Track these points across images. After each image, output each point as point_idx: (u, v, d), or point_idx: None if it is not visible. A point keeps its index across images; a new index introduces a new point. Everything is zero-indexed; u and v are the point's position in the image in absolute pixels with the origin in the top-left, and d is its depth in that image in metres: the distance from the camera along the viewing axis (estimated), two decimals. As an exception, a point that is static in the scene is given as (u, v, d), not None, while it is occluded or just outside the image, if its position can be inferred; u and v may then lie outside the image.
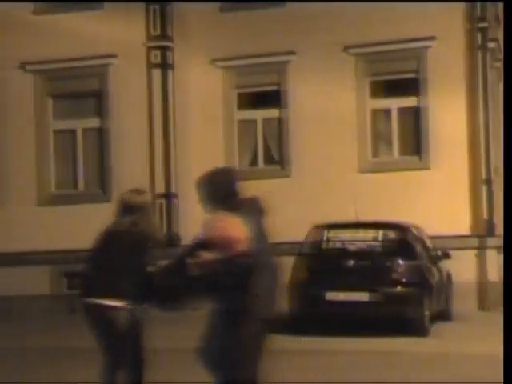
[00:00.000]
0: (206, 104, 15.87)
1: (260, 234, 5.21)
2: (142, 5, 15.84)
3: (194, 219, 15.28)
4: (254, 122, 16.03)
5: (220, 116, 15.94)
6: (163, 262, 5.84)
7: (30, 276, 15.76)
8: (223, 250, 4.92)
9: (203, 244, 5.09)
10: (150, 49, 15.95)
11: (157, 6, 15.86)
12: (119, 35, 15.69)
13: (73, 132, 16.47)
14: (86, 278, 6.40)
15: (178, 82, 15.91)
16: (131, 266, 6.09)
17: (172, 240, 15.29)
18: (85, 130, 16.42)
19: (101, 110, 16.28)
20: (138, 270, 6.10)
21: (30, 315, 15.41)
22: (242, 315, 5.09)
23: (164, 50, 15.91)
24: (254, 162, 16.12)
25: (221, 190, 5.28)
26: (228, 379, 5.20)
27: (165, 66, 15.91)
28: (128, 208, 6.31)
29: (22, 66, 16.22)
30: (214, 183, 5.34)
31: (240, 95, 15.97)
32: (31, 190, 16.26)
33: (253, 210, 5.28)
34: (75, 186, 16.46)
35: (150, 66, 15.91)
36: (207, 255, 5.02)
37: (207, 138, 15.81)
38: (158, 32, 15.90)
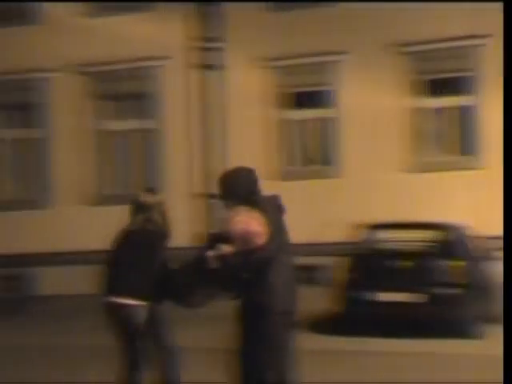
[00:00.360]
0: (256, 104, 15.85)
1: (279, 230, 5.33)
2: (193, 6, 15.91)
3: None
4: (305, 122, 15.94)
5: (271, 116, 15.89)
6: (185, 259, 5.94)
7: (80, 275, 15.91)
8: (243, 243, 5.04)
9: (224, 237, 5.22)
10: (199, 50, 16.00)
11: (207, 7, 15.91)
12: (169, 37, 15.79)
13: (124, 133, 16.62)
14: (105, 278, 6.50)
15: (227, 83, 15.92)
16: (147, 263, 6.24)
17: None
18: (135, 131, 16.56)
19: (151, 112, 16.40)
20: (155, 267, 6.23)
21: (80, 314, 15.55)
22: (259, 309, 5.12)
23: (214, 51, 15.95)
24: (302, 162, 16.03)
25: (242, 188, 5.44)
26: (253, 378, 5.19)
27: (215, 66, 15.94)
28: (140, 207, 6.57)
29: (75, 67, 16.43)
30: (235, 181, 5.50)
31: (290, 95, 15.89)
32: (83, 190, 16.45)
33: (272, 207, 5.43)
34: (125, 186, 16.59)
35: (200, 67, 15.96)
36: (227, 248, 5.16)
37: (258, 138, 15.78)
38: (208, 33, 15.94)
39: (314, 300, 13.49)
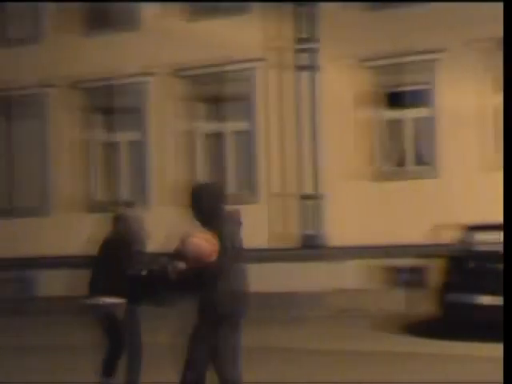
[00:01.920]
0: (350, 105, 15.76)
1: (234, 243, 6.02)
2: (290, 7, 15.94)
3: (340, 219, 15.40)
4: (402, 122, 15.79)
5: (368, 116, 15.79)
6: (149, 267, 7.07)
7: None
8: (194, 262, 5.82)
9: (179, 255, 5.95)
10: (296, 51, 16.02)
11: (304, 8, 15.91)
12: (263, 38, 15.87)
13: (221, 135, 16.78)
14: (89, 281, 7.54)
15: (324, 84, 15.89)
16: (120, 269, 7.25)
17: (319, 240, 15.36)
18: (232, 133, 16.70)
19: (245, 113, 16.52)
20: (127, 272, 7.24)
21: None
22: (209, 311, 5.90)
23: (310, 51, 15.94)
24: (401, 162, 15.88)
25: (203, 204, 5.99)
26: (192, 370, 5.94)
27: (311, 67, 15.93)
28: (118, 219, 7.59)
29: (173, 71, 16.66)
30: (198, 197, 6.02)
31: (385, 95, 15.76)
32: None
33: (232, 221, 6.08)
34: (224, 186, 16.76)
35: (297, 68, 15.99)
36: (182, 265, 5.95)
37: (352, 139, 15.70)
38: (305, 34, 15.95)
39: (411, 302, 13.36)
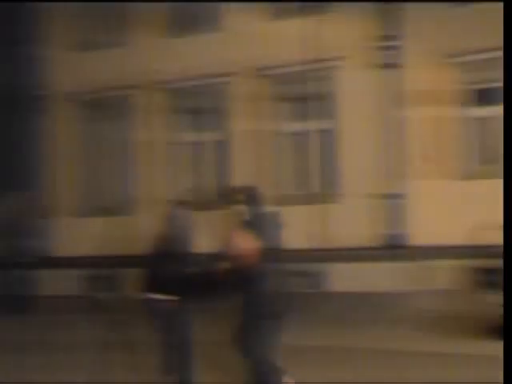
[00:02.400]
0: (437, 102, 15.51)
1: (274, 245, 6.32)
2: (370, 5, 15.78)
3: (422, 219, 15.16)
4: (485, 119, 15.46)
5: (454, 114, 15.51)
6: (197, 266, 7.42)
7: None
8: (237, 262, 6.13)
9: (224, 255, 6.32)
10: (377, 49, 15.86)
11: (384, 5, 15.74)
12: (346, 37, 15.77)
13: (301, 134, 16.75)
14: (143, 278, 7.72)
15: (407, 81, 15.68)
16: (172, 268, 7.46)
17: (402, 240, 15.19)
18: (316, 132, 16.63)
19: (328, 112, 16.46)
20: (178, 272, 7.46)
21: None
22: (252, 312, 6.29)
23: (391, 49, 15.74)
24: (488, 160, 15.55)
25: (245, 208, 6.37)
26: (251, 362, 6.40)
27: (393, 65, 15.75)
28: (168, 219, 7.63)
29: (254, 71, 16.71)
30: (239, 201, 6.38)
31: (471, 92, 15.45)
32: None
33: (271, 223, 6.43)
34: (307, 185, 16.72)
35: (378, 66, 15.82)
36: (226, 264, 6.33)
37: (437, 137, 15.45)
38: (385, 31, 15.77)
39: (496, 304, 13.07)
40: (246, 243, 6.08)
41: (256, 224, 6.24)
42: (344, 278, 15.90)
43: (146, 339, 8.29)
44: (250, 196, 6.44)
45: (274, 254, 6.20)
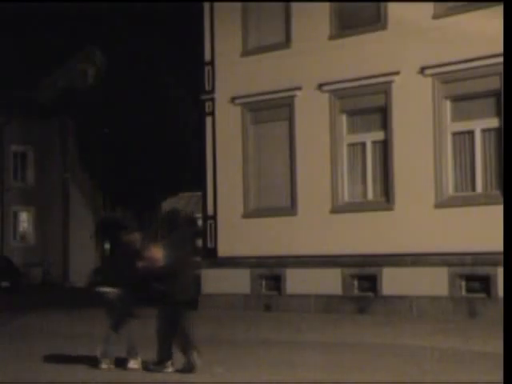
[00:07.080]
0: None
1: (181, 251, 9.82)
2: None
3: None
4: None
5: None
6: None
7: (427, 277, 15.99)
8: (151, 262, 9.82)
9: (145, 258, 9.97)
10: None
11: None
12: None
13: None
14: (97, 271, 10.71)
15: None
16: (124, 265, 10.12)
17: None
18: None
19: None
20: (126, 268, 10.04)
21: (429, 315, 15.67)
22: (168, 297, 9.67)
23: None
24: None
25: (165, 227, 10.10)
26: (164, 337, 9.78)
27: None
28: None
29: (422, 69, 16.48)
30: (163, 220, 9.69)
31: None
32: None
33: (180, 235, 9.98)
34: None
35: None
36: (144, 263, 9.94)
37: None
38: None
39: None
40: (155, 251, 9.75)
41: (168, 238, 9.91)
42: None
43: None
44: (170, 217, 10.28)
45: (182, 257, 9.66)
